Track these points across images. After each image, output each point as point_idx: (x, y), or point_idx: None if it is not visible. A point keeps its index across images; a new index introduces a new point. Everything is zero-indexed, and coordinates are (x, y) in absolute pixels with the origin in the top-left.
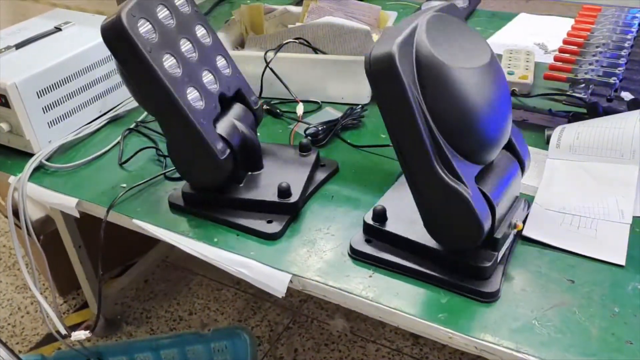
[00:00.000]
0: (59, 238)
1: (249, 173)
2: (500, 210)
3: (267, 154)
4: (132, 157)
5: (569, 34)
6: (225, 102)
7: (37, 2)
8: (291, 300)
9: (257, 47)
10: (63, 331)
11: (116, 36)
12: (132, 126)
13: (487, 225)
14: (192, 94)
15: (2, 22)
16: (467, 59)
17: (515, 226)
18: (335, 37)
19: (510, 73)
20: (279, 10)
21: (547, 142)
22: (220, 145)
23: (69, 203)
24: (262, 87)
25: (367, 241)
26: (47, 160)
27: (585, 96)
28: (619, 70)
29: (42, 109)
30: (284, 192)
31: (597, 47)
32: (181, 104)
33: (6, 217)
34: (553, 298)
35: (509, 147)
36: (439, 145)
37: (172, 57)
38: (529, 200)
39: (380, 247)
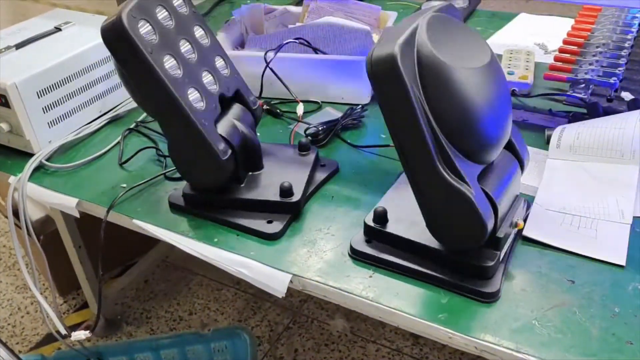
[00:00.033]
0: (59, 238)
1: (250, 173)
2: (501, 210)
3: (266, 154)
4: (132, 157)
5: (569, 34)
6: (224, 103)
7: (37, 2)
8: (291, 300)
9: (257, 47)
10: (63, 331)
11: (117, 37)
12: (132, 126)
13: (490, 224)
14: (193, 95)
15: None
16: (468, 59)
17: (516, 225)
18: (335, 37)
19: (510, 73)
20: (279, 10)
21: (547, 142)
22: (222, 145)
23: (69, 203)
24: (262, 87)
25: (367, 241)
26: (47, 160)
27: (586, 96)
28: (619, 70)
29: (42, 109)
30: (286, 191)
31: (597, 47)
32: (182, 105)
33: (6, 217)
34: (553, 298)
35: (509, 146)
36: (441, 145)
37: (173, 58)
38: (529, 200)
39: (380, 247)
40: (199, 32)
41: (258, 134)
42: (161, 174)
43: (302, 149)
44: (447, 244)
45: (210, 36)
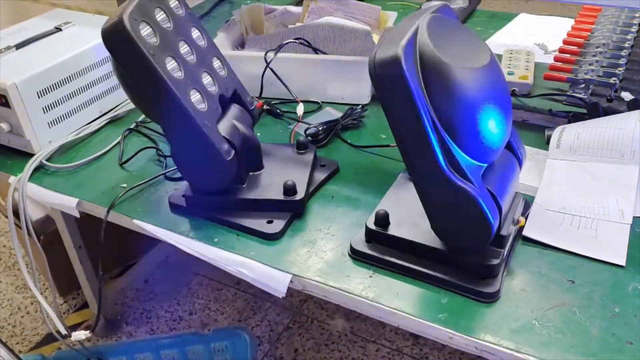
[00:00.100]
0: (59, 238)
1: (250, 173)
2: (504, 208)
3: (265, 154)
4: (132, 157)
5: (569, 34)
6: (223, 104)
7: (37, 2)
8: (291, 300)
9: (257, 47)
10: (63, 331)
11: (118, 39)
12: (132, 126)
13: (496, 223)
14: (195, 97)
15: (2, 22)
16: (469, 59)
17: (517, 222)
18: (335, 37)
19: (510, 73)
20: (279, 10)
21: (547, 142)
22: (225, 146)
23: (69, 203)
24: (262, 87)
25: (367, 241)
26: (47, 160)
27: (586, 96)
28: (619, 71)
29: (42, 109)
30: (290, 189)
31: (597, 47)
32: (185, 107)
33: (6, 217)
34: (553, 298)
35: (507, 144)
36: (445, 146)
37: (174, 60)
38: (529, 200)
39: (380, 247)
40: (195, 33)
41: (258, 134)
42: (161, 174)
43: (301, 147)
44: (452, 243)
45: (206, 37)
